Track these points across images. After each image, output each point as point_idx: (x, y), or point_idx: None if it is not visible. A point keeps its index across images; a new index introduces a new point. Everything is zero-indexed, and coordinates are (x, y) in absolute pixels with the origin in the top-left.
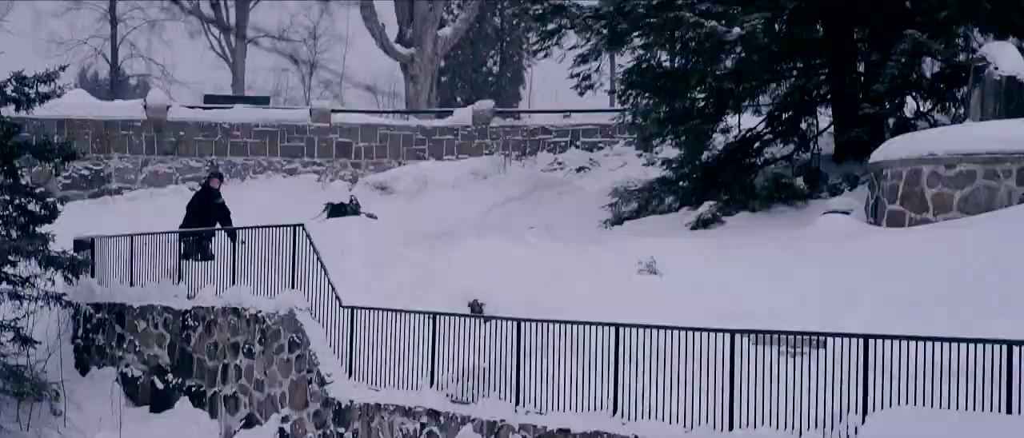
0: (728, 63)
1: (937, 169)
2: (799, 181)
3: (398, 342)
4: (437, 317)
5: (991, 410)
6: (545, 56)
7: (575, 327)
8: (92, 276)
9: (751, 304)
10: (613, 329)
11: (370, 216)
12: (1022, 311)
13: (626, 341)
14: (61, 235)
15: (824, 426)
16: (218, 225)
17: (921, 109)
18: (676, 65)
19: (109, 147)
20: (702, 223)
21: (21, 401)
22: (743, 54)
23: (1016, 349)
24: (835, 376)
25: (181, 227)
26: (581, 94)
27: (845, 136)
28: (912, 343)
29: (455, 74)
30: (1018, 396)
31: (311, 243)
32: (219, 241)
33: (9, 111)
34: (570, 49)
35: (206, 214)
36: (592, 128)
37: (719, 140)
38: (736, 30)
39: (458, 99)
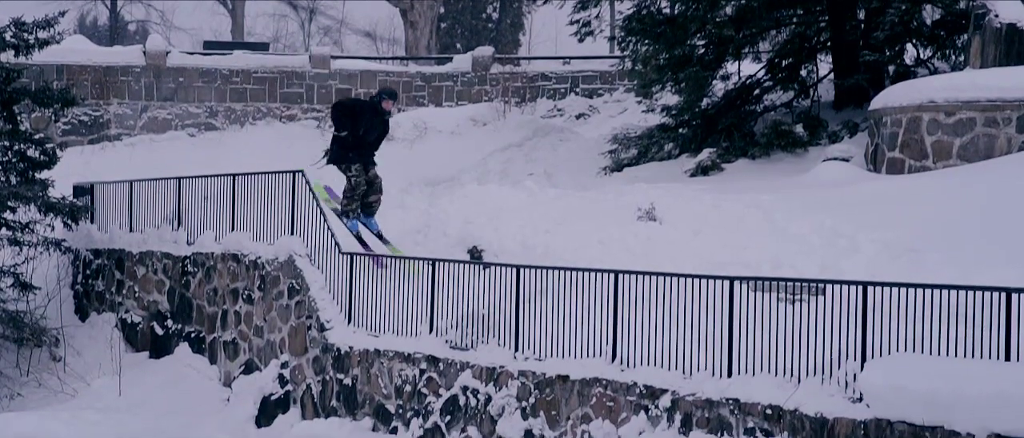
0: (728, 9)
1: (937, 116)
2: (799, 128)
3: (397, 288)
4: (436, 263)
5: (990, 357)
6: (545, 2)
7: (574, 273)
8: (91, 222)
9: (750, 251)
10: (612, 276)
11: None
12: (1021, 258)
13: (625, 287)
14: (60, 181)
15: (823, 372)
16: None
17: (921, 56)
18: (676, 11)
19: (108, 93)
20: (702, 170)
21: (21, 347)
22: (743, 0)
23: (1015, 296)
24: (834, 323)
25: (335, 134)
26: (581, 41)
27: (845, 83)
28: (911, 290)
29: (455, 20)
30: (1017, 343)
31: (310, 189)
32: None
33: (8, 57)
34: None
35: (372, 129)
36: (592, 75)
37: (719, 87)
38: None
39: (458, 45)
